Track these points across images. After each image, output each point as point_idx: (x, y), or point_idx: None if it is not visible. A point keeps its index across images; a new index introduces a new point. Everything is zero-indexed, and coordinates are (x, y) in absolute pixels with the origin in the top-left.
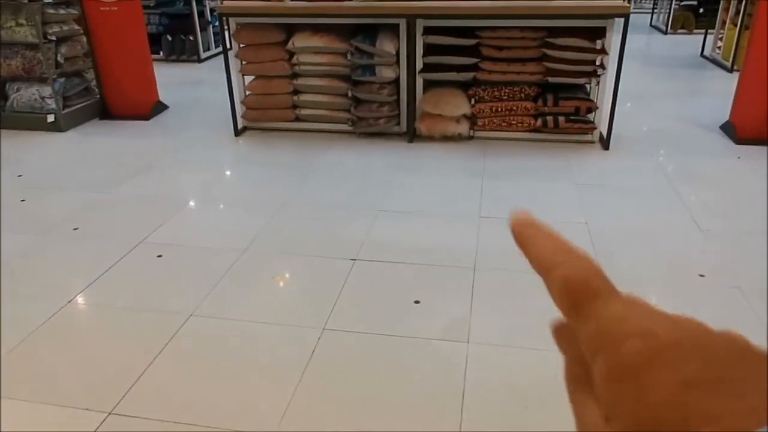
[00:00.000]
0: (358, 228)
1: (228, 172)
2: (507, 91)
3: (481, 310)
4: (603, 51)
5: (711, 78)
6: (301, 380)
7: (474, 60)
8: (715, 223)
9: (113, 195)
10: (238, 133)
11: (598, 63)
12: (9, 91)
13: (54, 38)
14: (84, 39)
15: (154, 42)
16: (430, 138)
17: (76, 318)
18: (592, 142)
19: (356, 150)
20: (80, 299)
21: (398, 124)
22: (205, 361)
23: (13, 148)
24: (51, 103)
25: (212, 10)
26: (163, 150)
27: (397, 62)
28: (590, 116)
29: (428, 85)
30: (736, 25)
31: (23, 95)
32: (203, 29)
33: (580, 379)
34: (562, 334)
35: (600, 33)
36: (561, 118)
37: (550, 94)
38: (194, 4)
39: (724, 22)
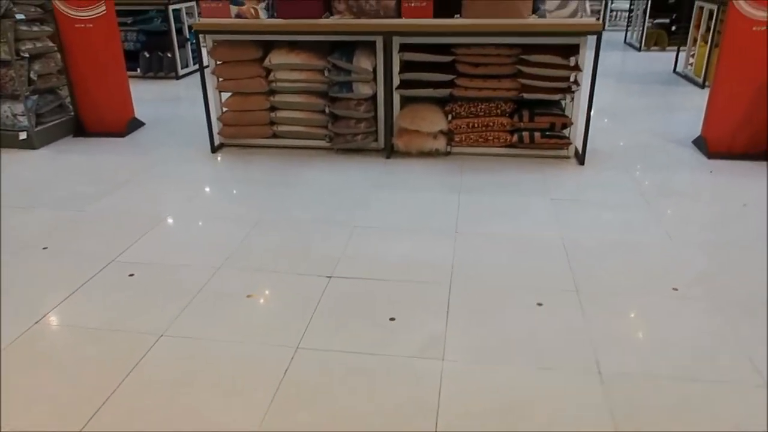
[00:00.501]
0: (334, 244)
1: (203, 189)
2: (483, 107)
3: (457, 327)
4: (577, 68)
5: (683, 94)
6: (273, 401)
7: (450, 76)
8: (689, 237)
9: (86, 213)
10: (214, 149)
11: (572, 79)
12: None
13: (27, 55)
14: (58, 56)
15: (132, 59)
16: (407, 154)
17: (45, 338)
18: (567, 157)
19: (334, 166)
20: (49, 319)
21: (376, 140)
22: (176, 382)
23: None
24: (23, 121)
25: (190, 28)
26: (138, 167)
27: (374, 79)
28: (565, 132)
29: (405, 101)
30: (706, 43)
31: None
32: (181, 46)
33: None
34: None
35: (574, 50)
36: (537, 134)
37: (525, 110)
38: (172, 21)
39: (695, 40)
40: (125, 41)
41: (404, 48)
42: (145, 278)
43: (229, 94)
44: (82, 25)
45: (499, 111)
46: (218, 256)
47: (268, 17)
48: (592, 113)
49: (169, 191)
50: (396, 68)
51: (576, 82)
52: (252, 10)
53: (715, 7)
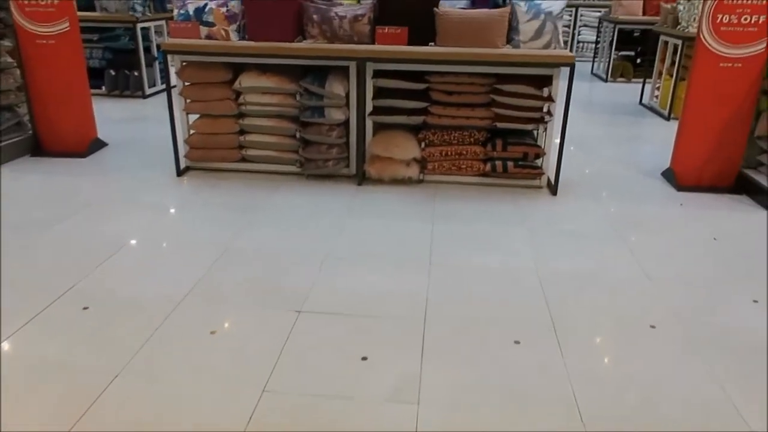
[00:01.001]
0: (304, 276)
1: (167, 215)
2: (456, 135)
3: (433, 366)
4: (550, 99)
5: (650, 125)
6: None
7: (424, 104)
8: (664, 272)
9: (41, 238)
10: (180, 173)
11: (545, 110)
12: None
13: None
14: (18, 72)
15: (97, 76)
16: (379, 181)
17: None
18: (540, 187)
19: (304, 192)
20: None
21: (347, 166)
22: (131, 426)
23: None
24: None
25: (159, 46)
26: (98, 190)
27: (347, 104)
28: (538, 162)
29: (378, 127)
30: (671, 76)
31: None
32: (149, 65)
33: None
34: None
35: (547, 81)
36: (510, 163)
37: (498, 139)
38: (140, 39)
39: (660, 73)
40: (90, 58)
41: (378, 74)
42: (101, 312)
43: (197, 115)
44: (44, 41)
45: (472, 140)
46: (180, 288)
47: (239, 39)
48: (565, 144)
49: (130, 216)
50: (369, 94)
51: (549, 113)
52: (222, 32)
53: (679, 42)
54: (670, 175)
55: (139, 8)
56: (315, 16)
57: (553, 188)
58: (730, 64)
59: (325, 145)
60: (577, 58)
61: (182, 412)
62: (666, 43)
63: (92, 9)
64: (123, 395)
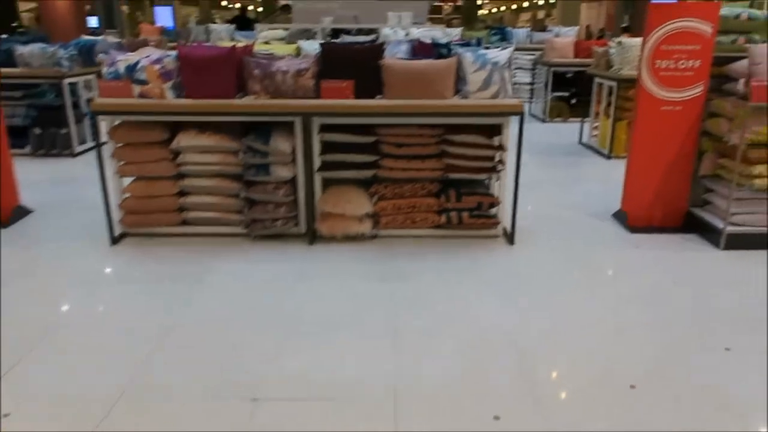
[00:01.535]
0: (257, 356)
1: (99, 293)
2: (409, 187)
3: None
4: (501, 147)
5: (593, 165)
6: None
7: (374, 157)
8: (633, 323)
9: None
10: (114, 241)
11: (497, 159)
12: None
13: None
14: None
15: (20, 136)
16: (332, 239)
17: None
18: (496, 236)
19: (252, 255)
20: None
21: (297, 224)
22: None
23: None
24: None
25: (89, 100)
26: (20, 264)
27: (293, 161)
28: (493, 211)
29: (327, 183)
30: (608, 116)
31: None
32: (78, 121)
33: None
34: None
35: (497, 130)
36: (465, 214)
37: (452, 190)
38: (68, 95)
39: (597, 114)
40: (12, 117)
41: (324, 129)
42: (17, 421)
43: (132, 178)
44: None
45: (425, 191)
46: (113, 384)
47: (176, 97)
48: (518, 192)
49: (57, 295)
50: (316, 149)
51: (501, 162)
52: (157, 90)
53: (614, 84)
54: (622, 217)
55: (65, 63)
56: (256, 71)
57: (509, 237)
58: (671, 107)
59: (272, 204)
60: None
61: None
62: (601, 84)
63: (12, 65)
64: None
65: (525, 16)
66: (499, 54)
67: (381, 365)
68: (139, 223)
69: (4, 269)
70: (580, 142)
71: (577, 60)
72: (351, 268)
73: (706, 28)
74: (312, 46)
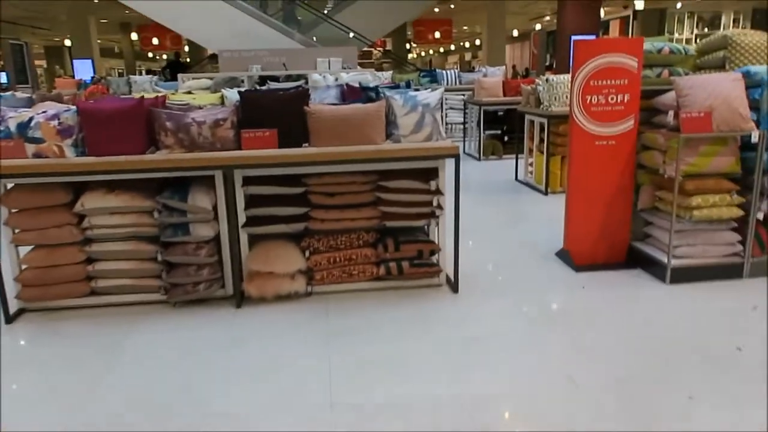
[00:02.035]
0: None
1: None
2: (344, 239)
3: None
4: (438, 192)
5: (531, 201)
6: None
7: (304, 209)
8: (588, 374)
9: None
10: (10, 319)
11: (435, 204)
12: None
13: None
14: None
15: None
16: (262, 300)
17: None
18: (439, 285)
19: (172, 324)
20: None
21: (223, 287)
22: None
23: None
24: None
25: None
26: None
27: (215, 217)
28: (434, 259)
29: (255, 239)
30: (542, 153)
31: None
32: None
33: None
34: None
35: (433, 173)
36: (405, 263)
37: (390, 239)
38: None
39: (531, 150)
40: None
41: (248, 181)
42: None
43: (31, 247)
44: None
45: (361, 242)
46: None
47: (78, 155)
48: (459, 237)
49: None
50: (240, 204)
51: (440, 206)
52: (55, 148)
53: (545, 120)
54: (565, 256)
55: None
56: (168, 124)
57: (453, 285)
58: (604, 142)
59: (193, 266)
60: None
61: None
62: (532, 121)
63: None
64: None
65: (453, 58)
66: (429, 95)
67: None
68: (39, 296)
69: None
70: (517, 179)
71: (507, 98)
72: (284, 332)
73: (632, 62)
74: (237, 95)
